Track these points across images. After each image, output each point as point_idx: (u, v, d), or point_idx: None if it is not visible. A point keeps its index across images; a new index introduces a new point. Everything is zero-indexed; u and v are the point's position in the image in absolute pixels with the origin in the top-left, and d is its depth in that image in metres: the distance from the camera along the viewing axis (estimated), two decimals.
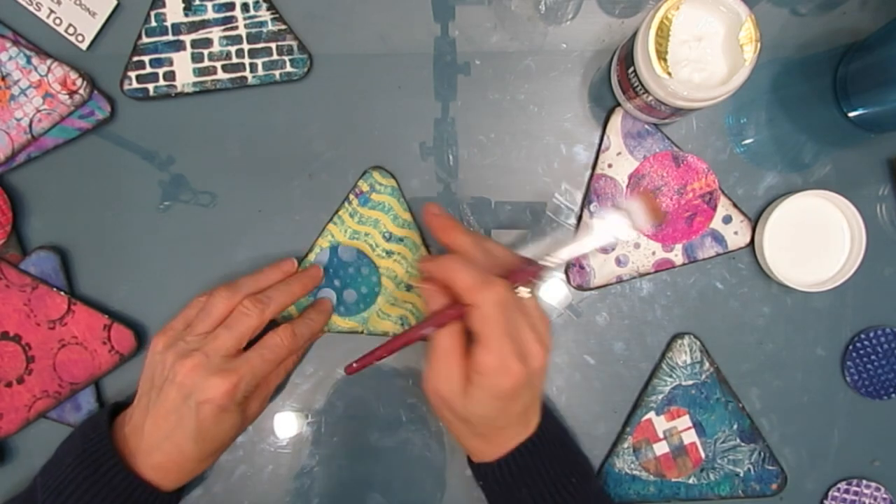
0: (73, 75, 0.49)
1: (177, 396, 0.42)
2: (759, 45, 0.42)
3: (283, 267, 0.50)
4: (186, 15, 0.51)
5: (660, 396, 0.52)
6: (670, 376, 0.52)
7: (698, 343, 0.52)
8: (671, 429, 0.52)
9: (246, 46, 0.51)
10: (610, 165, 0.52)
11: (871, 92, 0.50)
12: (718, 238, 0.52)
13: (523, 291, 0.42)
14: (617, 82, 0.50)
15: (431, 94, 0.52)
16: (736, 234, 0.52)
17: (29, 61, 0.49)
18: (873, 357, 0.53)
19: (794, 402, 0.53)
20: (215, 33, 0.51)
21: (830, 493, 0.53)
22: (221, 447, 0.45)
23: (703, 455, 0.53)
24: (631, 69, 0.45)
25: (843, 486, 0.53)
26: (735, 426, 0.53)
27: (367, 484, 0.53)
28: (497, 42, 0.52)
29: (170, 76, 0.51)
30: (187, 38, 0.51)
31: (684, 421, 0.52)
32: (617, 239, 0.46)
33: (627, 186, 0.52)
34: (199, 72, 0.51)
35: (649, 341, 0.53)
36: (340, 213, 0.52)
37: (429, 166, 0.52)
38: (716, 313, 0.53)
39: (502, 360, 0.39)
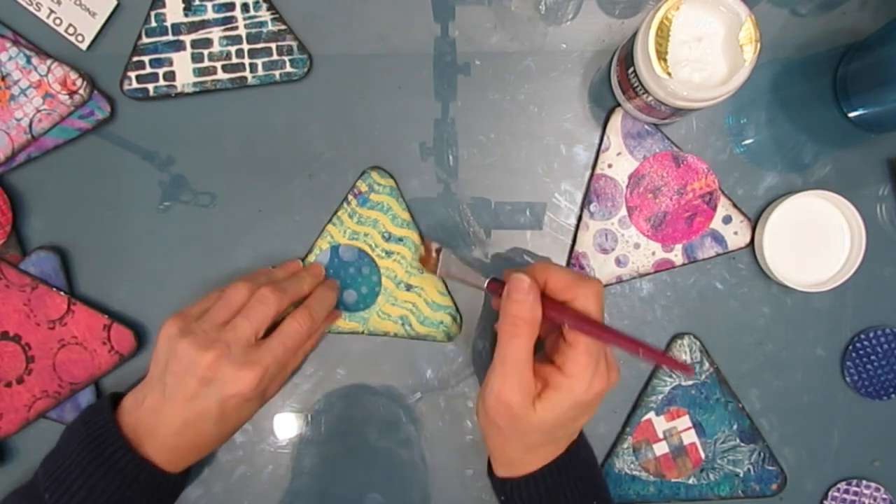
0: (73, 75, 0.49)
1: (198, 387, 0.42)
2: (759, 45, 0.42)
3: (289, 267, 0.51)
4: (186, 15, 0.51)
5: (660, 397, 0.52)
6: (670, 376, 0.52)
7: (698, 343, 0.52)
8: (671, 429, 0.52)
9: (246, 46, 0.51)
10: (610, 165, 0.52)
11: (871, 92, 0.50)
12: (718, 238, 0.52)
13: None
14: (617, 82, 0.50)
15: (431, 94, 0.52)
16: (736, 235, 0.52)
17: (29, 61, 0.49)
18: (873, 357, 0.53)
19: (794, 402, 0.53)
20: (215, 33, 0.51)
21: (830, 493, 0.53)
22: (238, 429, 0.46)
23: (702, 455, 0.53)
24: (631, 69, 0.45)
25: (842, 486, 0.53)
26: (735, 426, 0.53)
27: (366, 484, 0.53)
28: (497, 42, 0.52)
29: (170, 76, 0.51)
30: (187, 39, 0.51)
31: (684, 421, 0.52)
32: None
33: (627, 186, 0.52)
34: (199, 72, 0.51)
35: (649, 341, 0.53)
36: (339, 213, 0.52)
37: (429, 166, 0.52)
38: (716, 313, 0.53)
39: (597, 363, 0.41)
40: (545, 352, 0.44)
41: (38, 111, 0.50)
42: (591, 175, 0.52)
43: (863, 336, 0.53)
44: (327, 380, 0.53)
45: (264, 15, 0.51)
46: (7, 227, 0.50)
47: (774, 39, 0.52)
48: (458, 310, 0.52)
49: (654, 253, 0.52)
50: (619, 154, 0.52)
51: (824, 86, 0.53)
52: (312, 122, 0.52)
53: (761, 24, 0.42)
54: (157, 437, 0.43)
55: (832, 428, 0.53)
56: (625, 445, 0.52)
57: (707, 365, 0.52)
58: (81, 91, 0.49)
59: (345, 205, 0.52)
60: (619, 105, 0.51)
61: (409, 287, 0.52)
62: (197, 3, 0.51)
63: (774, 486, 0.53)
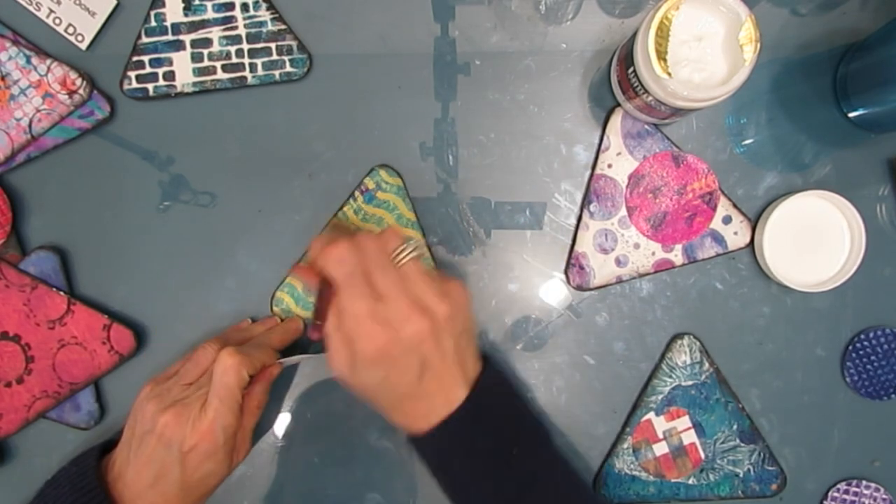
0: (73, 75, 0.49)
1: (157, 446, 0.42)
2: (759, 45, 0.42)
3: (267, 323, 0.52)
4: (186, 15, 0.51)
5: (659, 397, 0.52)
6: (670, 377, 0.52)
7: (698, 343, 0.52)
8: (671, 429, 0.52)
9: (246, 46, 0.51)
10: (610, 165, 0.52)
11: (871, 92, 0.50)
12: (718, 238, 0.52)
13: (404, 255, 0.41)
14: (617, 82, 0.50)
15: (431, 94, 0.52)
16: (736, 235, 0.52)
17: (29, 61, 0.49)
18: (873, 357, 0.53)
19: (794, 402, 0.53)
20: (215, 33, 0.51)
21: (830, 493, 0.53)
22: (207, 492, 0.45)
23: (702, 455, 0.53)
24: (631, 69, 0.45)
25: (842, 486, 0.53)
26: (735, 426, 0.53)
27: (366, 484, 0.53)
28: (497, 42, 0.52)
29: (169, 76, 0.51)
30: (187, 38, 0.51)
31: (684, 421, 0.52)
32: None
33: (627, 186, 0.52)
34: (199, 72, 0.51)
35: (649, 341, 0.53)
36: (345, 209, 0.52)
37: (429, 166, 0.52)
38: (716, 313, 0.53)
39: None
40: None
41: (38, 111, 0.49)
42: (591, 175, 0.52)
43: (863, 336, 0.53)
44: (327, 381, 0.53)
45: (264, 15, 0.51)
46: (7, 227, 0.50)
47: (774, 39, 0.52)
48: None
49: (654, 253, 0.52)
50: (619, 154, 0.52)
51: (824, 86, 0.53)
52: (312, 122, 0.52)
53: (761, 24, 0.42)
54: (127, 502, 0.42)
55: (832, 428, 0.53)
56: (625, 445, 0.52)
57: (707, 365, 0.52)
58: (81, 91, 0.49)
59: (351, 201, 0.52)
60: (619, 105, 0.51)
61: None
62: (197, 2, 0.51)
63: (774, 487, 0.53)
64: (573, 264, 0.52)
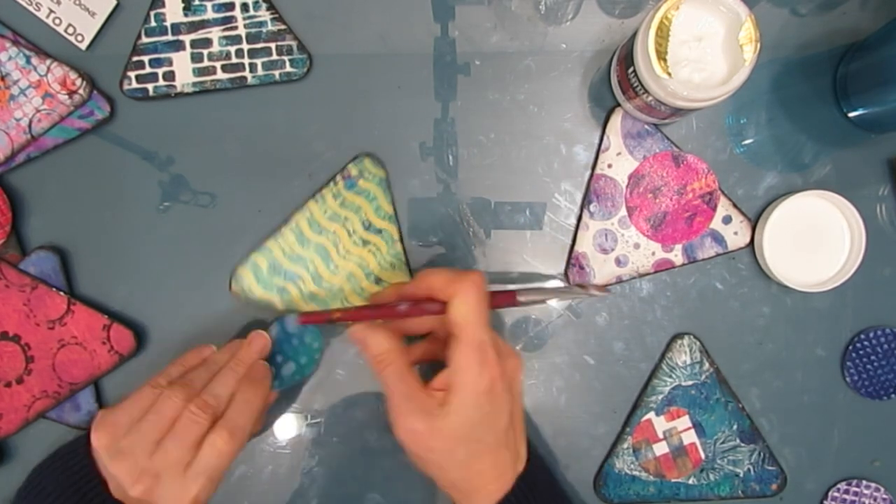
0: (73, 75, 0.49)
1: None
2: (759, 45, 0.42)
3: (233, 347, 0.47)
4: (186, 15, 0.51)
5: (659, 397, 0.52)
6: (670, 376, 0.52)
7: (698, 343, 0.52)
8: (671, 429, 0.52)
9: (245, 46, 0.51)
10: (610, 165, 0.52)
11: (871, 92, 0.50)
12: (718, 238, 0.52)
13: None
14: (617, 82, 0.50)
15: (431, 94, 0.52)
16: (736, 235, 0.52)
17: (28, 61, 0.49)
18: (873, 357, 0.53)
19: (794, 402, 0.53)
20: (215, 33, 0.51)
21: (830, 493, 0.53)
22: None
23: (702, 455, 0.53)
24: (631, 69, 0.45)
25: (842, 486, 0.53)
26: (735, 426, 0.53)
27: (366, 484, 0.53)
28: (497, 42, 0.52)
29: (169, 76, 0.51)
30: (187, 38, 0.51)
31: (684, 421, 0.52)
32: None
33: (627, 186, 0.52)
34: (199, 72, 0.51)
35: (649, 341, 0.53)
36: (324, 191, 0.51)
37: (429, 166, 0.52)
38: (716, 313, 0.53)
39: (482, 351, 0.39)
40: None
41: (38, 111, 0.49)
42: (591, 175, 0.52)
43: (863, 336, 0.53)
44: (327, 381, 0.53)
45: (264, 15, 0.51)
46: (7, 227, 0.50)
47: (774, 39, 0.52)
48: None
49: (653, 253, 0.52)
50: (618, 154, 0.52)
51: (824, 86, 0.53)
52: (312, 122, 0.52)
53: (761, 24, 0.42)
54: None
55: (832, 428, 0.53)
56: (625, 445, 0.52)
57: (707, 365, 0.52)
58: (81, 91, 0.49)
59: (331, 184, 0.51)
60: (619, 105, 0.51)
61: (378, 280, 0.52)
62: (196, 2, 0.51)
63: (774, 487, 0.53)
64: (573, 264, 0.52)
